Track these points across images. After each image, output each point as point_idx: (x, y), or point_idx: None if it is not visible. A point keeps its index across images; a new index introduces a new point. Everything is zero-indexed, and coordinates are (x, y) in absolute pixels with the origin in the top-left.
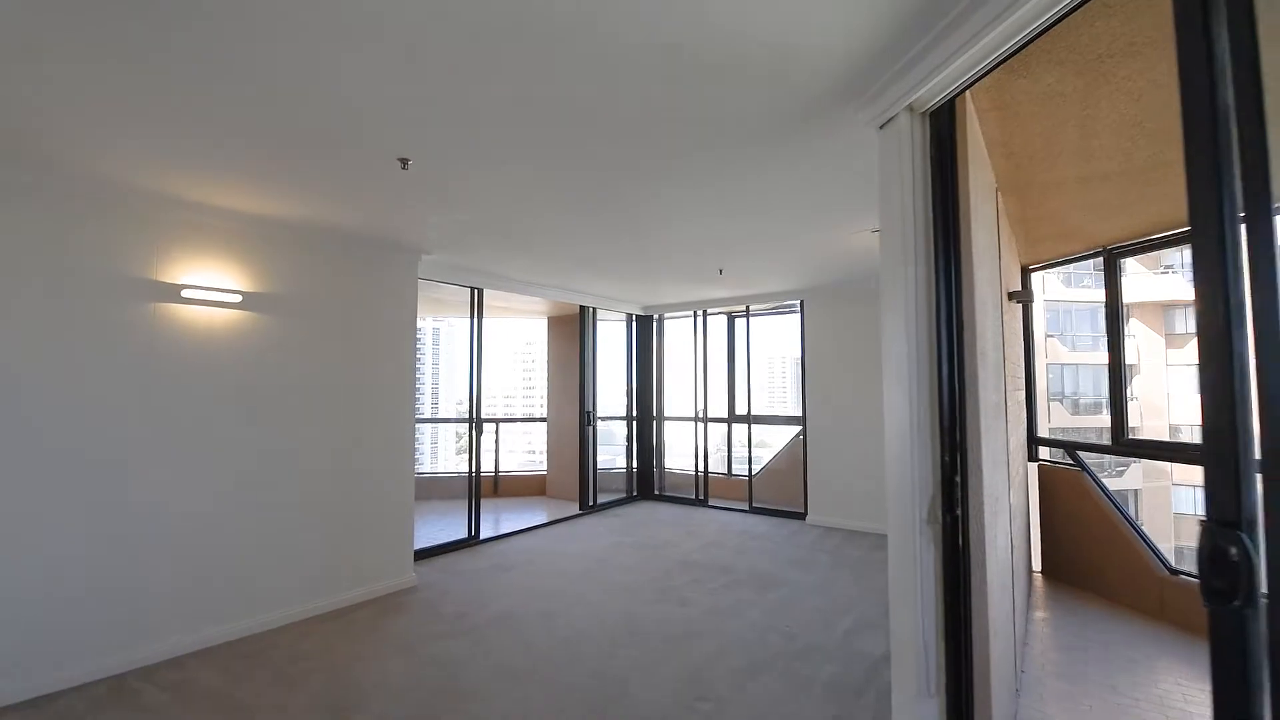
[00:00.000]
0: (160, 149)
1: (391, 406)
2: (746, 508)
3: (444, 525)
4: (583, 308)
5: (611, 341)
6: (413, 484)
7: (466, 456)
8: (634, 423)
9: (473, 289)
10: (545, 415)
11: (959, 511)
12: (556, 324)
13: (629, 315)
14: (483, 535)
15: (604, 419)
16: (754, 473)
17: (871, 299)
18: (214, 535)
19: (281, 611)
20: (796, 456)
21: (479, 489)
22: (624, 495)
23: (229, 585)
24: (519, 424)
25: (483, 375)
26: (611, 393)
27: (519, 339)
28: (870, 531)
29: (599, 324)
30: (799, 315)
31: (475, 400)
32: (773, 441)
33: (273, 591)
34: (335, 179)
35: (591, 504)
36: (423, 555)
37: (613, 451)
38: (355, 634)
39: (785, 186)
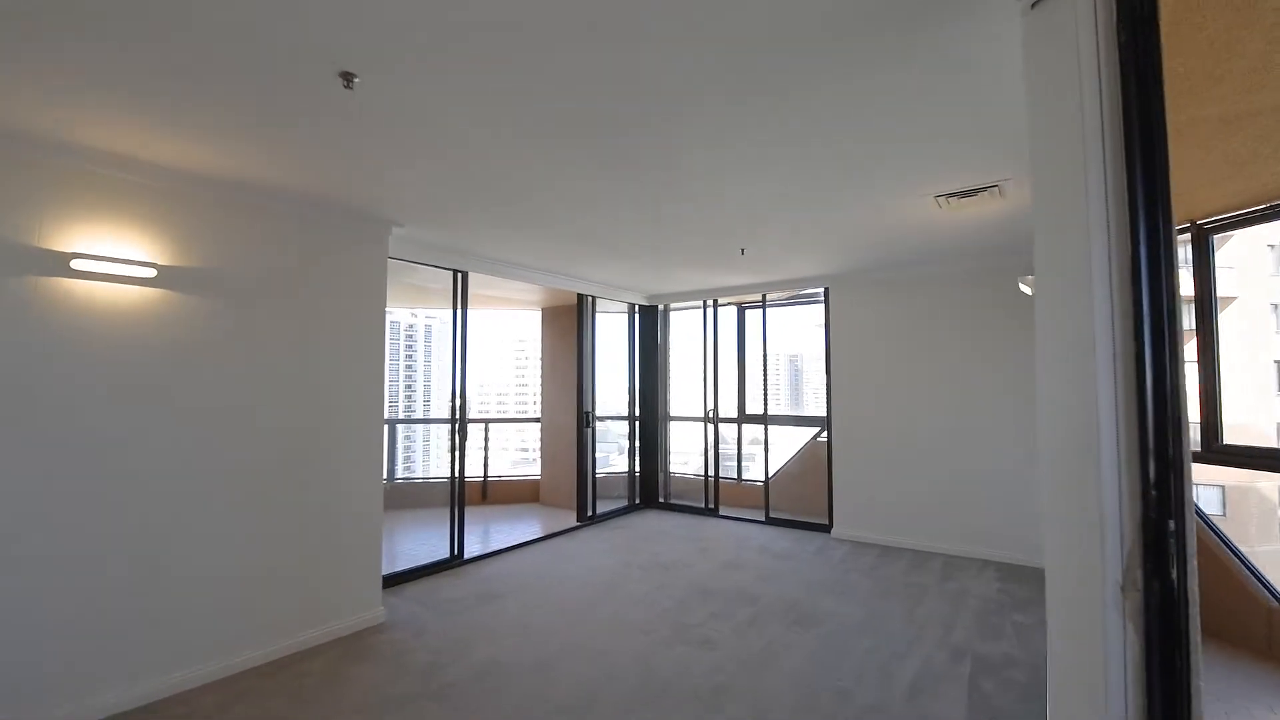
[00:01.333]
0: (36, 70)
1: (356, 407)
2: (763, 518)
3: (425, 540)
4: (581, 296)
5: (611, 334)
6: (380, 499)
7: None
8: (636, 423)
9: (455, 272)
10: (539, 415)
11: (1174, 574)
12: (552, 316)
13: (631, 306)
14: (468, 554)
15: (603, 419)
16: (769, 478)
17: (914, 285)
18: (105, 569)
19: (206, 666)
20: (816, 461)
21: (463, 499)
22: (625, 504)
23: (128, 636)
24: (510, 425)
25: (467, 371)
26: (611, 390)
27: (511, 332)
28: (906, 547)
29: (598, 315)
30: (823, 305)
31: (458, 399)
32: (779, 444)
33: (194, 639)
34: (262, 106)
35: (591, 515)
36: (396, 581)
37: (607, 448)
38: (302, 695)
39: (842, 121)
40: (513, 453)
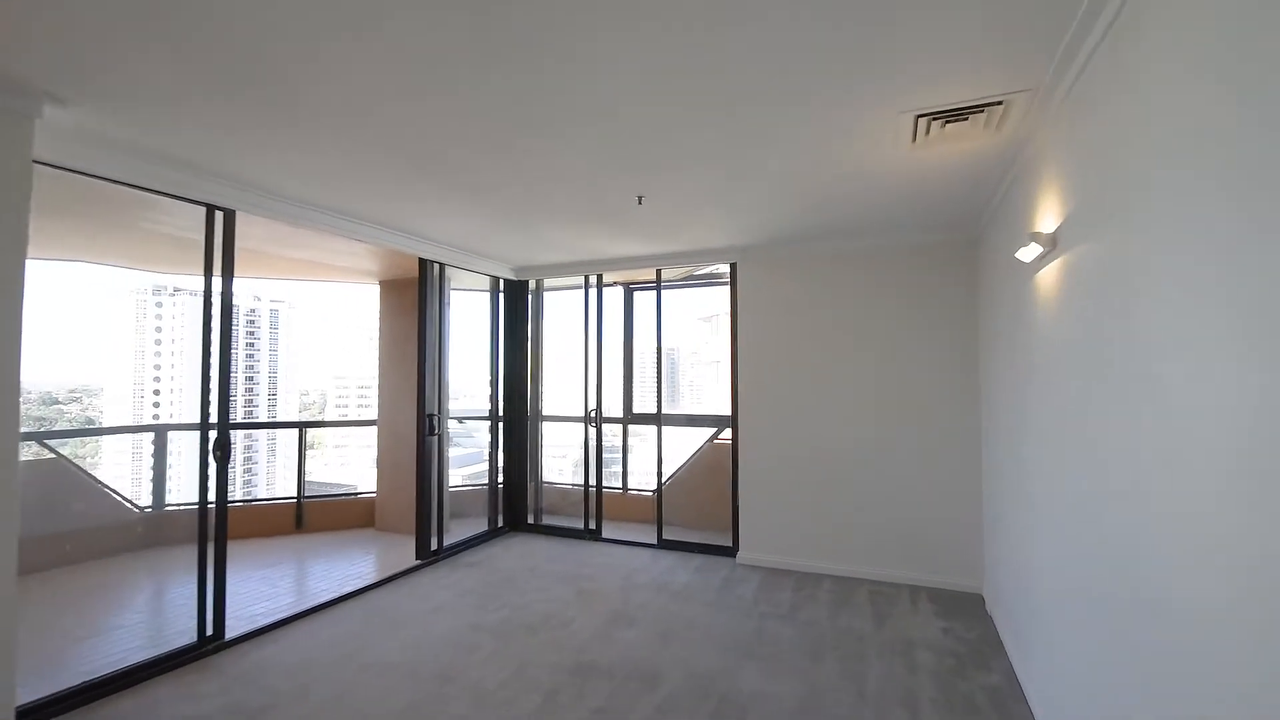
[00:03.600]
0: None
1: None
2: (654, 540)
3: (179, 608)
4: (425, 263)
5: (471, 316)
6: (13, 558)
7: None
8: (501, 425)
9: (210, 210)
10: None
11: None
12: (393, 291)
13: (495, 280)
14: (232, 631)
15: (463, 419)
16: (662, 485)
17: (846, 262)
18: None
19: None
20: (715, 467)
21: (222, 545)
22: (486, 529)
23: None
24: (347, 430)
25: (230, 359)
26: (473, 385)
27: (349, 310)
28: (824, 573)
29: (453, 292)
30: (728, 285)
31: (209, 397)
32: (666, 447)
33: None
34: None
35: (436, 548)
36: (74, 703)
37: (467, 456)
38: None
39: None
40: (358, 466)
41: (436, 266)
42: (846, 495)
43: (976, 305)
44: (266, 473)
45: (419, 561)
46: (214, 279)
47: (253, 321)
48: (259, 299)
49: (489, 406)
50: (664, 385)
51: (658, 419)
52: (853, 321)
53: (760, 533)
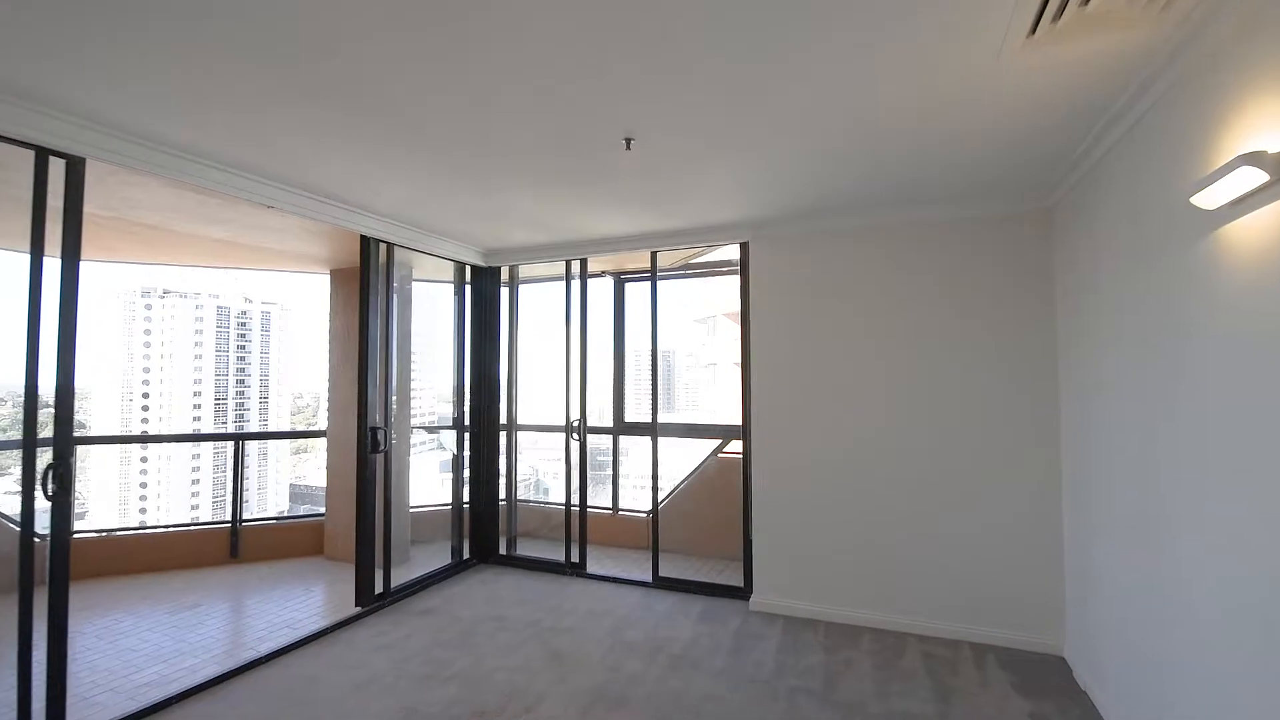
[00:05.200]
0: None
1: None
2: (649, 577)
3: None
4: (368, 242)
5: (434, 310)
6: None
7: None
8: (467, 437)
9: (41, 154)
10: (325, 428)
11: None
12: (345, 281)
13: (461, 268)
14: (92, 713)
15: (430, 428)
16: (658, 507)
17: (888, 238)
18: None
19: None
20: (721, 487)
21: (64, 591)
22: (449, 563)
23: None
24: (297, 442)
25: (74, 356)
26: (437, 386)
27: (308, 300)
28: (861, 624)
29: (416, 284)
30: (738, 272)
31: (34, 405)
32: (637, 465)
33: None
34: None
35: (382, 592)
36: None
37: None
38: None
39: None
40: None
41: (383, 247)
42: (888, 526)
43: (1053, 294)
44: (258, 487)
45: (359, 609)
46: (42, 259)
47: (244, 324)
48: (250, 300)
49: (453, 414)
50: (660, 391)
51: (653, 429)
52: (894, 314)
53: (779, 571)
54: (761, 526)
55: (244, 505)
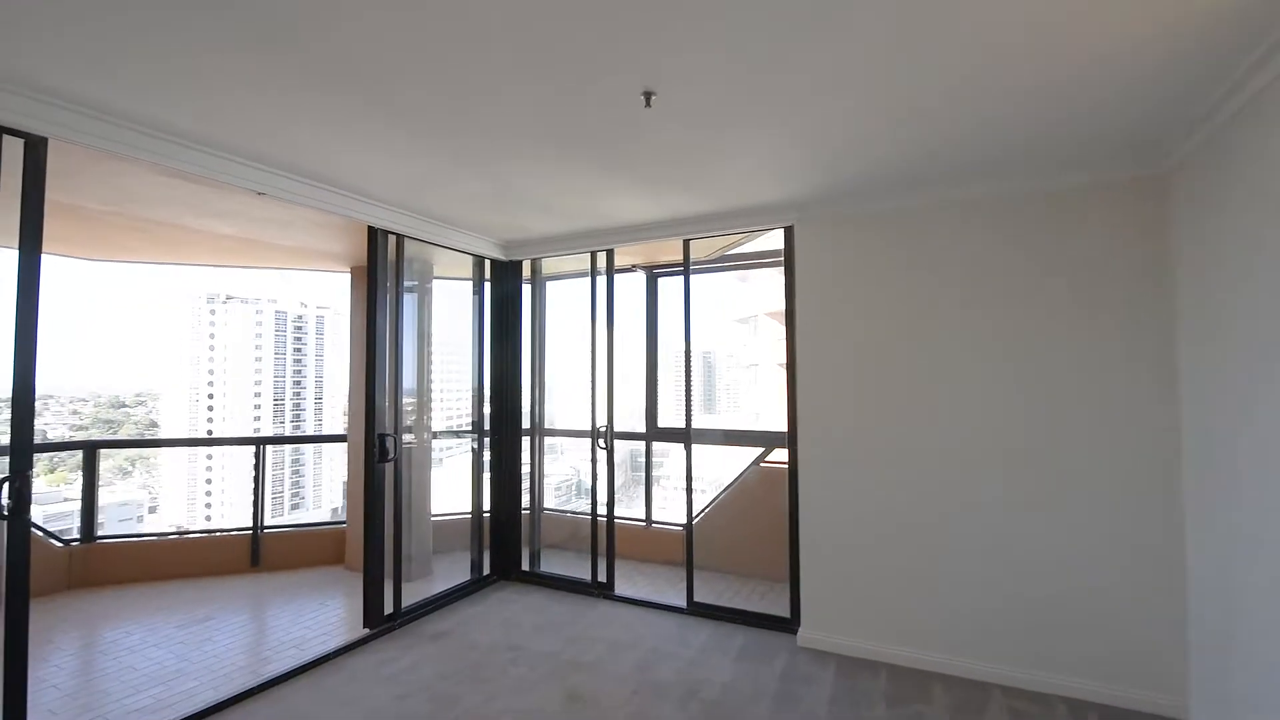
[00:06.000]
0: None
1: None
2: (683, 602)
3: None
4: (376, 233)
5: (453, 309)
6: None
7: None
8: (486, 443)
9: None
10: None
11: None
12: (362, 278)
13: (480, 262)
14: None
15: (449, 434)
16: (692, 522)
17: (961, 218)
18: None
19: None
20: (764, 500)
21: (24, 610)
22: (468, 579)
23: None
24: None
25: (33, 356)
26: (457, 388)
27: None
28: (932, 670)
29: (437, 282)
30: (783, 262)
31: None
32: (676, 468)
33: None
34: None
35: (393, 612)
36: None
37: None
38: None
39: None
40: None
41: (392, 240)
42: (965, 554)
43: (1174, 283)
44: (313, 485)
45: (367, 631)
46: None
47: (300, 328)
48: (305, 305)
49: (471, 419)
50: (699, 394)
51: (686, 436)
52: (968, 306)
53: (831, 601)
54: (810, 548)
55: (264, 510)
